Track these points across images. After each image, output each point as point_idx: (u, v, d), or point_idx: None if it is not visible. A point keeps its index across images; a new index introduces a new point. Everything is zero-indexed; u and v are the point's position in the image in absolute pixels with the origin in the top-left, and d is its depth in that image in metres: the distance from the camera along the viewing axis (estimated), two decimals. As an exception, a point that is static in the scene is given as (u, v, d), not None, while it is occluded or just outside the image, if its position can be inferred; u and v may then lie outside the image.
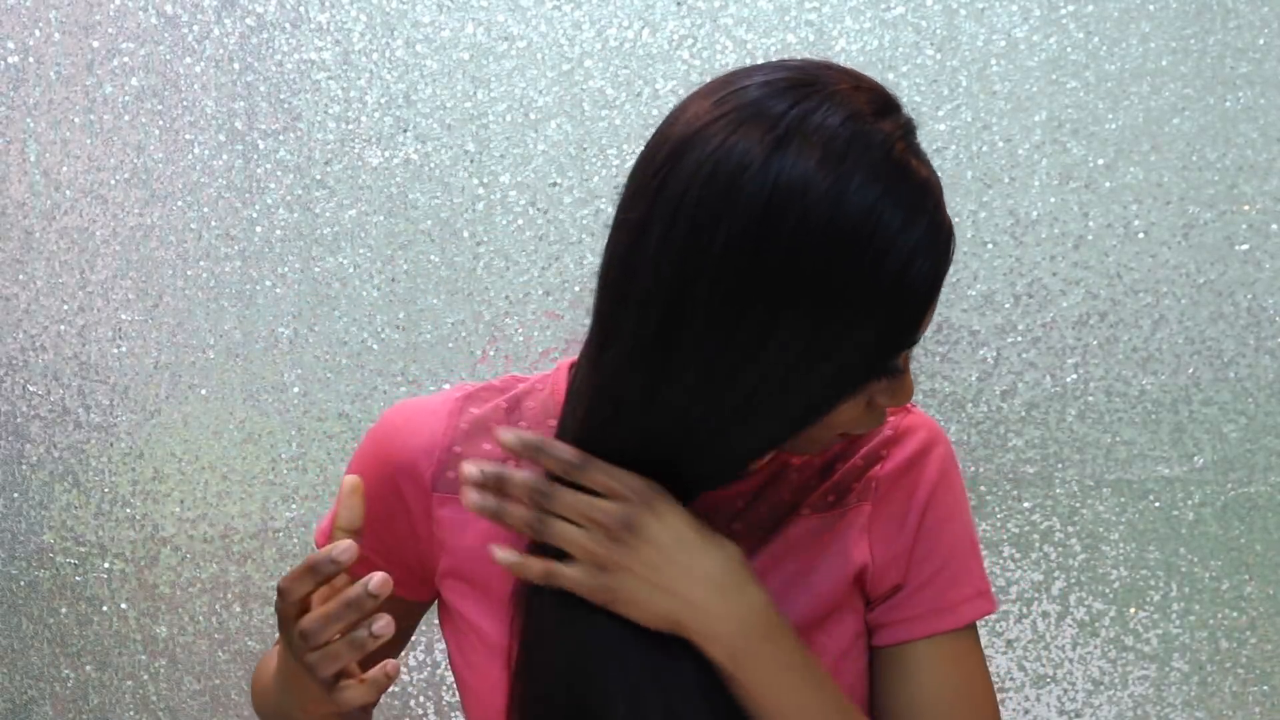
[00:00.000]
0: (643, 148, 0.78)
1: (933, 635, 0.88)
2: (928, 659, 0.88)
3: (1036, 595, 1.46)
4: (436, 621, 1.05)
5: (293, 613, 0.77)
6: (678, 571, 0.78)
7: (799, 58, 0.82)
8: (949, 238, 0.76)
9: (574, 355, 0.94)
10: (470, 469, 0.79)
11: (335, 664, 0.75)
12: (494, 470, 0.78)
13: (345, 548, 0.74)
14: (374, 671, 0.77)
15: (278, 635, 0.93)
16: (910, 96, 1.44)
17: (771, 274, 0.71)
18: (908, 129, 0.76)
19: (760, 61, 1.44)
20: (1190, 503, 1.45)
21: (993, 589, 1.05)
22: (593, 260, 1.45)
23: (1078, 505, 1.45)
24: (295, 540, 1.51)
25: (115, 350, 1.52)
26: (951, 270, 1.44)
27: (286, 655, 0.81)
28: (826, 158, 0.71)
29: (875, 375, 0.77)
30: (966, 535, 0.92)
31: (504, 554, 0.78)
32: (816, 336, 0.72)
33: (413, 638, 1.52)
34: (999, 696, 1.47)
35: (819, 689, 0.81)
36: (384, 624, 0.74)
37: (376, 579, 0.73)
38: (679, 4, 1.46)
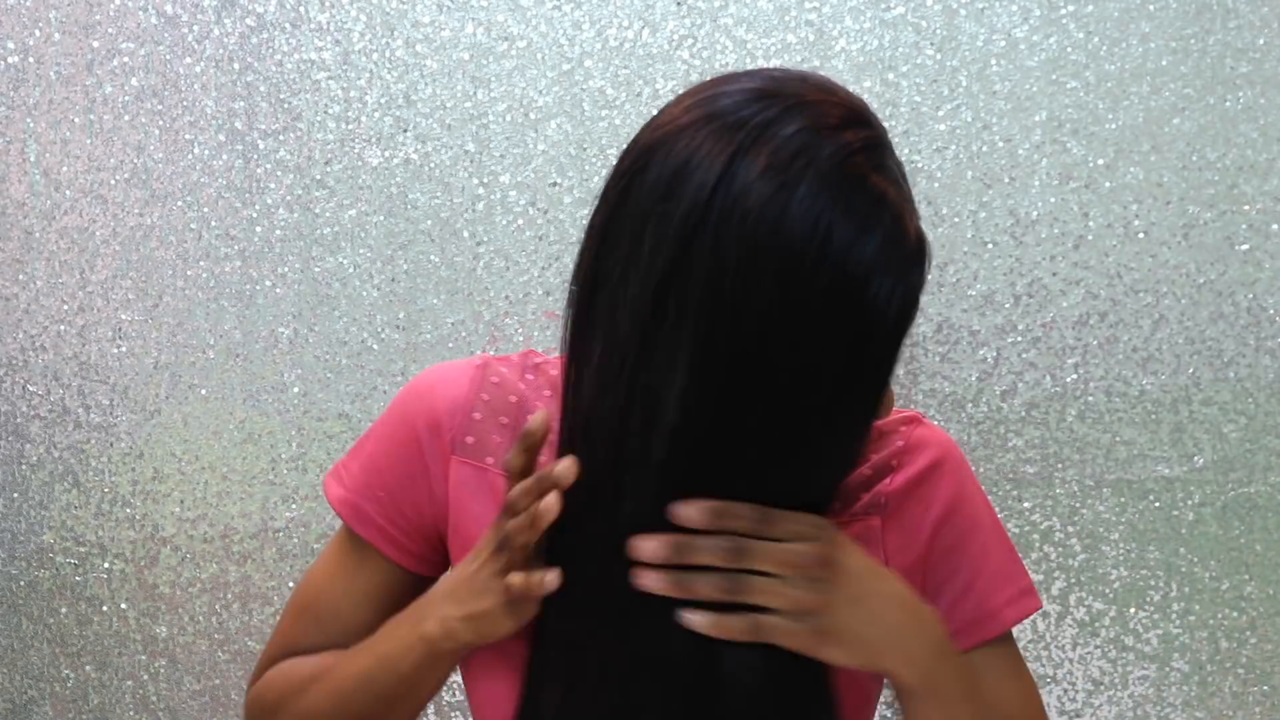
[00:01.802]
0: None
1: (980, 645, 0.88)
2: (982, 669, 0.88)
3: (1036, 595, 1.46)
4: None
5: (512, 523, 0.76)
6: (878, 601, 0.76)
7: (787, 66, 0.81)
8: (914, 253, 0.73)
9: None
10: (647, 547, 0.74)
11: (530, 534, 0.75)
12: (675, 542, 0.74)
13: (567, 465, 0.74)
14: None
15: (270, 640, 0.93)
16: (910, 96, 1.44)
17: (727, 284, 0.69)
18: (871, 142, 0.73)
19: (760, 61, 1.44)
20: (1190, 503, 1.45)
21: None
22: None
23: (1078, 505, 1.45)
24: (295, 540, 1.51)
25: (115, 350, 1.52)
26: (951, 270, 1.44)
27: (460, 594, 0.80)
28: (772, 165, 0.70)
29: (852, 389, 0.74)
30: (996, 541, 0.91)
31: (696, 618, 0.75)
32: (792, 351, 0.71)
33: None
34: (999, 696, 1.47)
35: (977, 694, 0.81)
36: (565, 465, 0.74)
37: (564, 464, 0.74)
38: (679, 4, 1.46)
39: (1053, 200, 1.44)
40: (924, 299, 1.52)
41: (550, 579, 0.75)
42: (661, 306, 0.71)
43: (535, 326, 1.48)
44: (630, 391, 0.73)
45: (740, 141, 0.71)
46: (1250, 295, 1.43)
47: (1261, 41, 1.42)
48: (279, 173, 1.49)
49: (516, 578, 0.75)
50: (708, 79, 0.78)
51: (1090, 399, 1.45)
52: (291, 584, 1.51)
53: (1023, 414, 1.45)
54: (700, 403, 0.71)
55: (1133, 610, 1.46)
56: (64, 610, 1.54)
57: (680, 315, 0.70)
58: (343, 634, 0.90)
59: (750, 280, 0.69)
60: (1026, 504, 1.46)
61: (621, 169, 0.75)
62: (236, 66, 1.49)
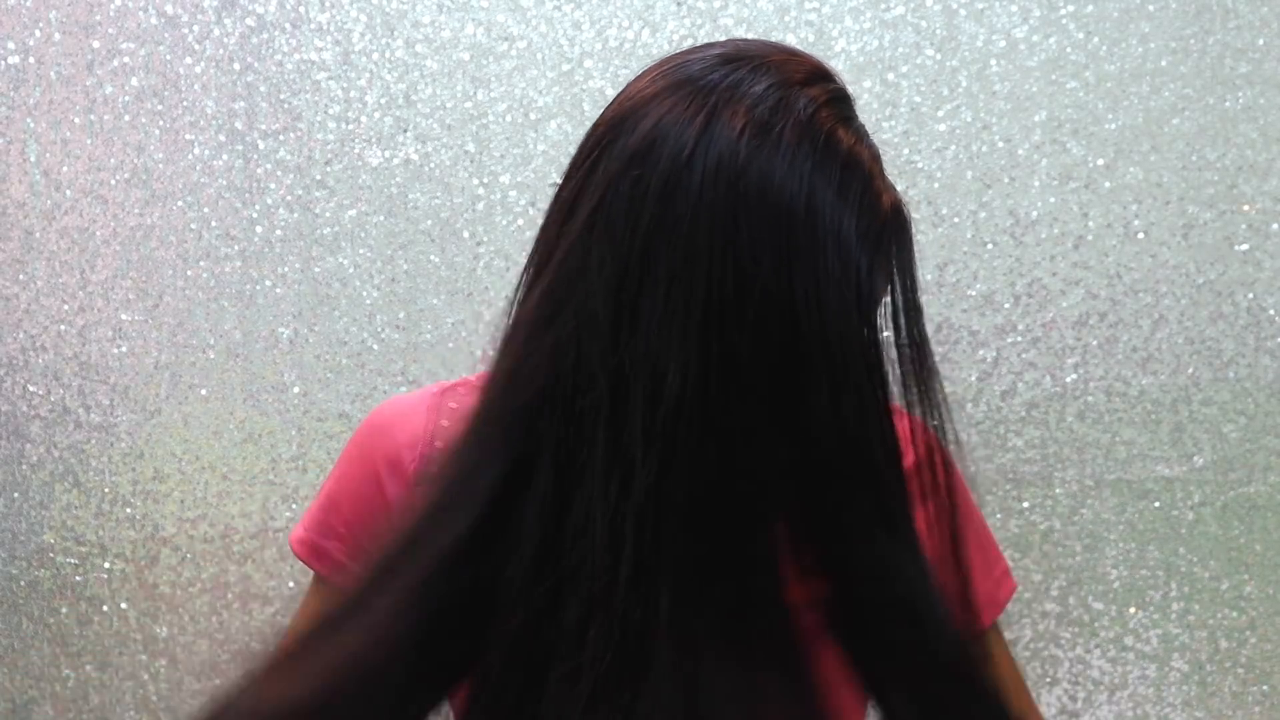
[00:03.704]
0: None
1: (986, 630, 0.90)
2: (992, 651, 0.90)
3: (1036, 595, 1.46)
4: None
5: None
6: None
7: (742, 38, 0.82)
8: (890, 208, 0.75)
9: None
10: None
11: None
12: None
13: None
14: None
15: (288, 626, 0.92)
16: (910, 96, 1.44)
17: (707, 244, 0.69)
18: (836, 95, 0.75)
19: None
20: (1190, 503, 1.45)
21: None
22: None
23: (1078, 505, 1.45)
24: (295, 540, 1.51)
25: (115, 350, 1.52)
26: (951, 270, 1.44)
27: None
28: (751, 122, 0.70)
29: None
30: (981, 525, 0.93)
31: None
32: (772, 308, 0.70)
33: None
34: (999, 696, 1.47)
35: None
36: None
37: None
38: (679, 4, 1.46)
39: (1053, 200, 1.44)
40: (923, 299, 1.51)
41: None
42: (650, 272, 0.70)
43: (535, 326, 1.48)
44: (627, 365, 0.70)
45: (713, 104, 0.71)
46: (1250, 295, 1.43)
47: (1261, 41, 1.42)
48: (279, 173, 1.49)
49: None
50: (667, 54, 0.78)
51: (1090, 399, 1.45)
52: (292, 584, 1.51)
53: (1023, 414, 1.45)
54: (705, 366, 0.70)
55: (1133, 610, 1.46)
56: (64, 610, 1.54)
57: (669, 279, 0.69)
58: None
59: (744, 234, 0.69)
60: (1026, 504, 1.46)
61: (588, 144, 0.75)
62: (236, 66, 1.49)
